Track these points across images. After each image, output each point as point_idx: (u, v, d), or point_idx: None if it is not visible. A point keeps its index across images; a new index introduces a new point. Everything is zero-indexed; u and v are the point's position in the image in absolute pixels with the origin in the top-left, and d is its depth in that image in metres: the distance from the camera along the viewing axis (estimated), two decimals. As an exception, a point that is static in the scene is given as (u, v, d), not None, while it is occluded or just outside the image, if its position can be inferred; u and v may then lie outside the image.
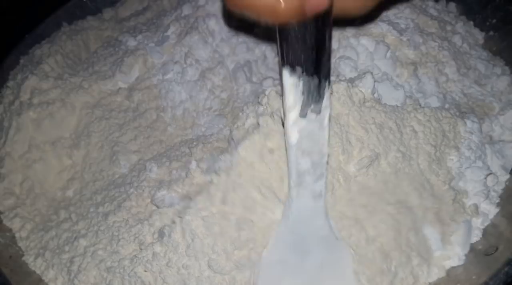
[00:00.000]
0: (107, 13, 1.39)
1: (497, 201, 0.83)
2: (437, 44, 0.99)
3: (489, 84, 1.00)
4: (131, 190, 0.87)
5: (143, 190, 0.86)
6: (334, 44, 0.93)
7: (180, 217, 0.74)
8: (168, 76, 1.06)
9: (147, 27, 1.21)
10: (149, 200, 0.85)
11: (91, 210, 0.88)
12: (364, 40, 0.93)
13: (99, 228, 0.83)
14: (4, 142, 1.03)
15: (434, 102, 0.91)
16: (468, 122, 0.85)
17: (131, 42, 1.15)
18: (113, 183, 0.93)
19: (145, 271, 0.75)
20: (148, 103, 1.05)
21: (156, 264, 0.74)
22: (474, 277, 0.73)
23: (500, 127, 0.91)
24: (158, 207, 0.82)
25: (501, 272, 0.70)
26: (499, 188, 0.84)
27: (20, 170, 1.00)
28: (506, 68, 1.04)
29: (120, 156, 0.96)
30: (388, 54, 0.92)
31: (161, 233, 0.75)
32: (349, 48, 0.92)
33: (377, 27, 0.95)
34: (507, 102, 0.96)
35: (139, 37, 1.16)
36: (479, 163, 0.82)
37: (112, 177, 0.95)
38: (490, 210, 0.81)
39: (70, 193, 0.97)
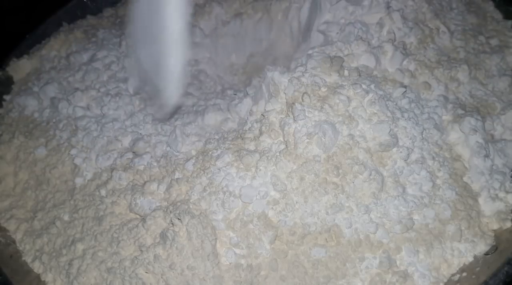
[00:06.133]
0: (107, 12, 1.39)
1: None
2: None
3: (490, 84, 0.99)
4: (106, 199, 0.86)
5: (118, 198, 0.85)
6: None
7: (179, 218, 0.74)
8: None
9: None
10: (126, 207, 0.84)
11: (65, 217, 0.87)
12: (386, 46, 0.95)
13: (96, 231, 0.82)
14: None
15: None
16: (472, 120, 0.85)
17: (100, 35, 1.22)
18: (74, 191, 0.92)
19: (146, 272, 0.75)
20: None
21: (158, 266, 0.74)
22: (473, 276, 0.73)
23: (501, 126, 0.91)
24: (139, 214, 0.82)
25: (501, 272, 0.70)
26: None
27: (12, 173, 0.99)
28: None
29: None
30: (405, 62, 0.94)
31: (163, 236, 0.75)
32: (368, 54, 0.93)
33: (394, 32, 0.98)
34: (508, 102, 0.96)
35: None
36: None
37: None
38: None
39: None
